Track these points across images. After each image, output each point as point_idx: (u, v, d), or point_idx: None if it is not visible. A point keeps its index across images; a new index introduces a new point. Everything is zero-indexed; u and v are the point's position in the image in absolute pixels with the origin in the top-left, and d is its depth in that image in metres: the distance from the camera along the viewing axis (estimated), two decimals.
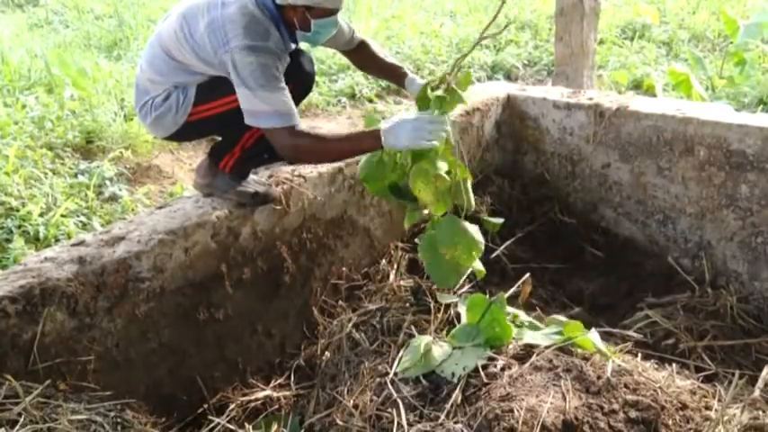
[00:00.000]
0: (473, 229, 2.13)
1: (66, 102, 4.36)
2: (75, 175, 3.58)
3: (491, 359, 1.85)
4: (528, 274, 2.41)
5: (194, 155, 4.24)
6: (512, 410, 1.59)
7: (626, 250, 3.10)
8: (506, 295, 2.02)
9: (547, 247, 3.16)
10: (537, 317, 2.31)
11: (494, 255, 2.91)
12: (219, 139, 2.44)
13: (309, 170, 2.60)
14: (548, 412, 1.59)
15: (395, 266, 2.71)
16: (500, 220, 2.96)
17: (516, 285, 2.37)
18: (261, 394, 2.34)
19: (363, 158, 2.26)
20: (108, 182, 3.58)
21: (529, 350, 1.90)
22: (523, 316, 2.10)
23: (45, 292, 1.87)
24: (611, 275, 2.98)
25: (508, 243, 2.99)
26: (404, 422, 1.67)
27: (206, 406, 2.25)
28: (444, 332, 2.10)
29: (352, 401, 1.88)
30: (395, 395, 1.79)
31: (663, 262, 2.96)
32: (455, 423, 1.61)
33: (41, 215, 3.13)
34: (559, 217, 3.27)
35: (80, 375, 1.95)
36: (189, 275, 2.22)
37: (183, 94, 2.25)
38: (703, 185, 2.81)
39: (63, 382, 1.89)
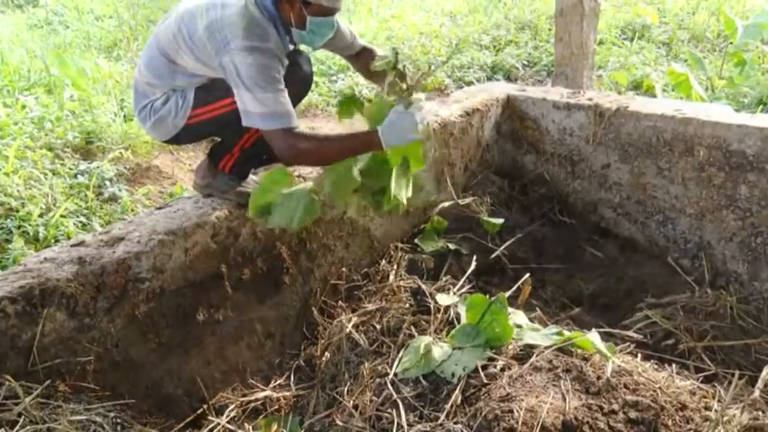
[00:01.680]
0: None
1: (65, 102, 4.35)
2: (75, 176, 3.58)
3: (491, 359, 1.85)
4: (528, 275, 2.41)
5: (194, 155, 4.23)
6: (511, 411, 1.59)
7: (626, 251, 3.10)
8: (506, 295, 2.02)
9: (547, 247, 3.15)
10: (537, 317, 2.32)
11: (494, 255, 2.92)
12: (219, 139, 2.44)
13: (309, 170, 2.60)
14: (547, 413, 1.58)
15: (395, 267, 2.71)
16: (500, 221, 2.98)
17: (516, 286, 2.37)
18: (261, 395, 2.33)
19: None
20: (108, 182, 3.57)
21: (529, 351, 1.89)
22: (522, 318, 2.10)
23: (45, 292, 1.87)
24: (611, 276, 2.97)
25: (508, 243, 2.99)
26: (404, 423, 1.66)
27: (206, 406, 2.24)
28: (444, 333, 2.09)
29: (352, 402, 1.88)
30: (395, 395, 1.79)
31: (663, 262, 2.95)
32: (455, 423, 1.61)
33: (41, 216, 3.13)
34: (559, 217, 3.26)
35: (80, 376, 1.94)
36: (189, 276, 2.21)
37: (181, 97, 2.25)
38: (703, 186, 2.81)
39: (63, 383, 1.87)
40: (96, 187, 3.51)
